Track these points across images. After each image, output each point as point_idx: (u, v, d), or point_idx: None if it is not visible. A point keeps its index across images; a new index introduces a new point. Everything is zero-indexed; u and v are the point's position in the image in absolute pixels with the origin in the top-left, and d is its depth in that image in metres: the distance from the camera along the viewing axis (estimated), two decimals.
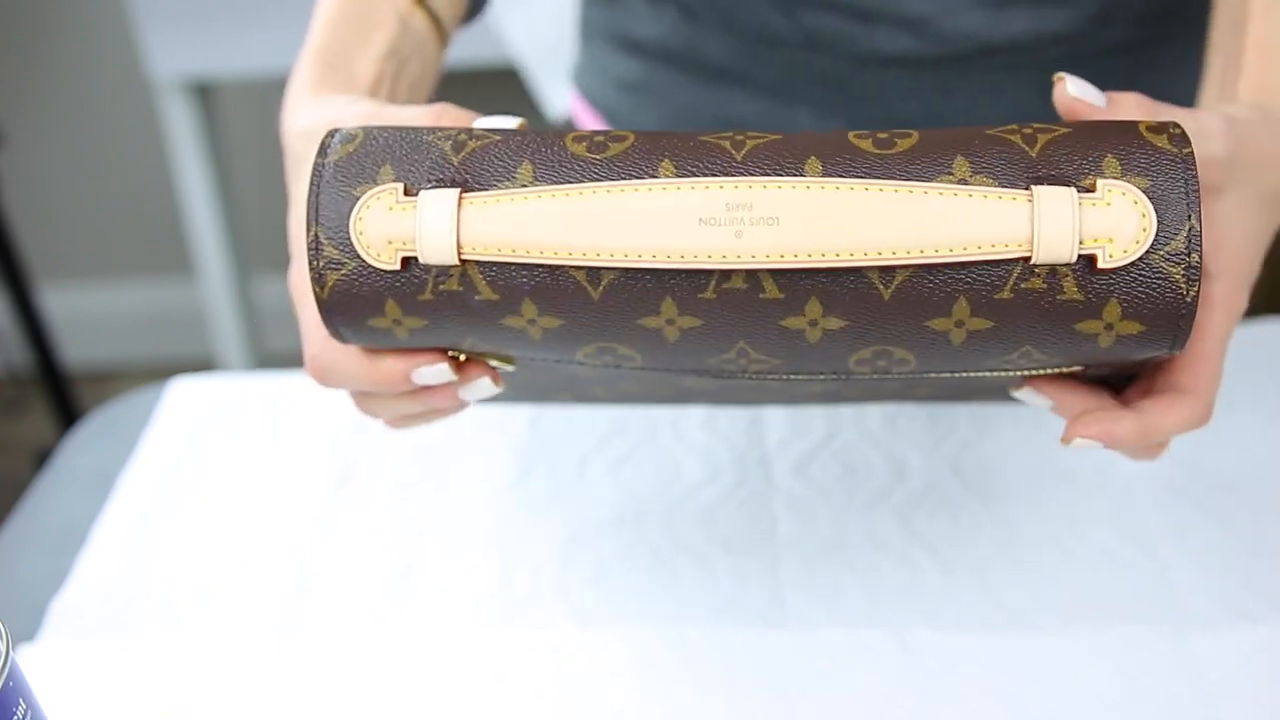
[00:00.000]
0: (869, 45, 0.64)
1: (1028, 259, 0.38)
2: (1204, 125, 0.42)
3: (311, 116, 0.48)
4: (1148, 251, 0.38)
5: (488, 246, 0.40)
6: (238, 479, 0.65)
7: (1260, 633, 0.52)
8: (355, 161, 0.41)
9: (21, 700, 0.42)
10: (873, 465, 0.62)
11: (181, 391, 0.72)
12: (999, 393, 0.49)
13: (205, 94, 1.57)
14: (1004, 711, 0.49)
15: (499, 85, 1.68)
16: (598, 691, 0.51)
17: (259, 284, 1.92)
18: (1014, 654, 0.51)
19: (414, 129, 0.42)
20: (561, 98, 1.36)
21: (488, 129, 0.42)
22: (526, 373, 0.48)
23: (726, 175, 0.39)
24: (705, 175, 0.39)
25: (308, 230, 0.41)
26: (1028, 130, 0.39)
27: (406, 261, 0.40)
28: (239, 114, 1.83)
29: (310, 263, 0.42)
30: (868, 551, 0.58)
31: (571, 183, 0.40)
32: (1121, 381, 0.47)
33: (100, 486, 0.66)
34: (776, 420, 0.65)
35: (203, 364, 1.97)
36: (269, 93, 1.83)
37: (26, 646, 0.55)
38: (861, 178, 0.39)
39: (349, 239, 0.41)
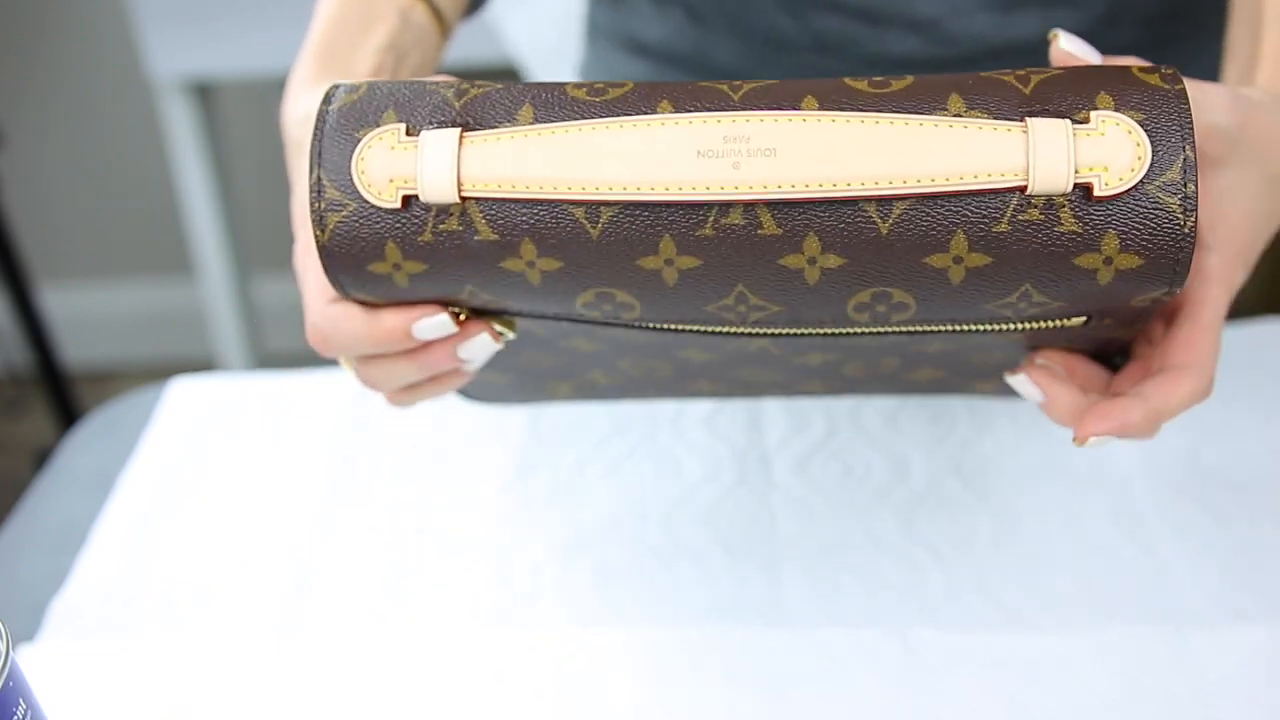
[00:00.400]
0: (877, 47, 0.64)
1: (1024, 189, 0.38)
2: (1208, 95, 0.42)
3: (309, 104, 0.48)
4: (1143, 180, 0.38)
5: (487, 183, 0.40)
6: (238, 479, 0.65)
7: (1260, 633, 0.52)
8: (359, 108, 0.42)
9: (21, 700, 0.42)
10: (872, 464, 0.62)
11: (181, 391, 0.72)
12: (997, 377, 0.49)
13: (205, 94, 1.57)
14: (1004, 711, 0.49)
15: None
16: (597, 691, 0.51)
17: (259, 284, 1.92)
18: (1014, 654, 0.51)
19: (418, 80, 0.43)
20: None
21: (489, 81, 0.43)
22: (525, 349, 0.48)
23: (724, 110, 0.40)
24: (703, 110, 0.40)
25: (310, 173, 0.42)
26: (1021, 72, 0.40)
27: (407, 200, 0.41)
28: (239, 114, 1.83)
29: (312, 206, 0.42)
30: (868, 551, 0.58)
31: (571, 120, 0.40)
32: (1114, 361, 0.47)
33: (100, 486, 0.66)
34: (776, 419, 0.65)
35: (203, 364, 1.97)
36: (269, 93, 1.83)
37: (26, 646, 0.55)
38: (858, 111, 0.39)
39: (350, 179, 0.41)
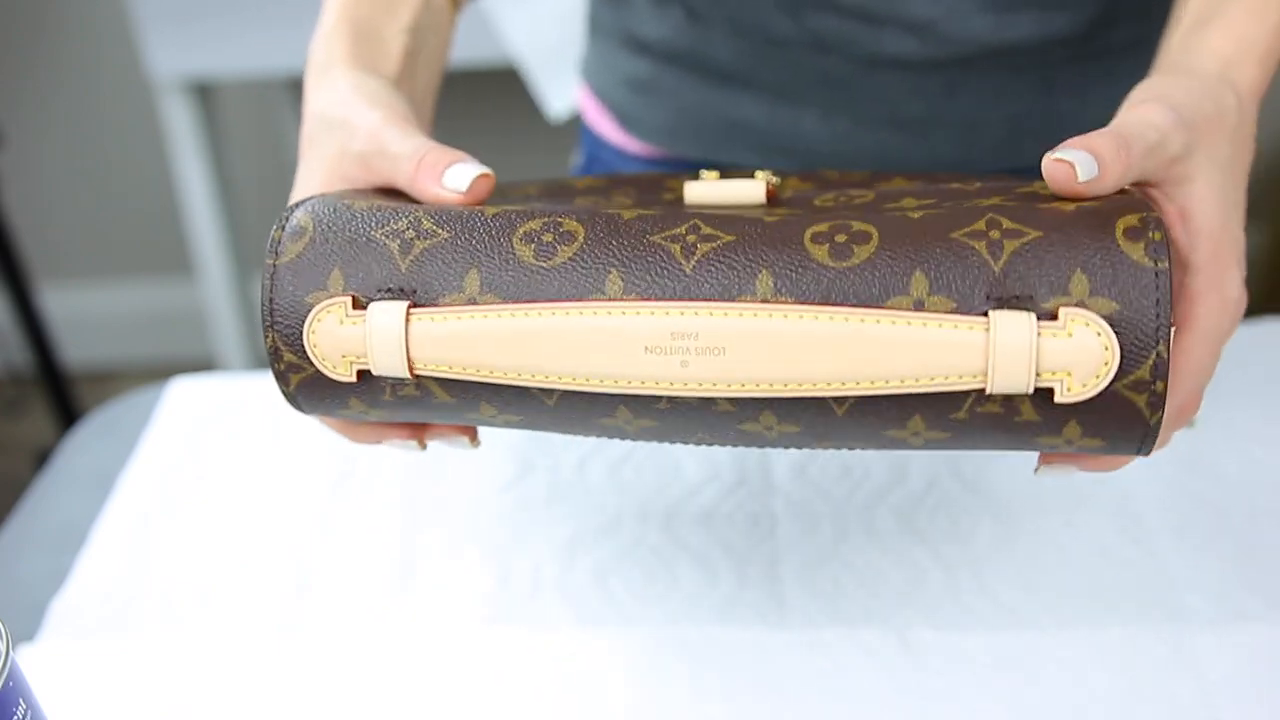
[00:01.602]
0: (875, 47, 0.64)
1: (982, 390, 0.37)
2: (1160, 130, 0.41)
3: (333, 101, 0.48)
4: (1109, 384, 0.36)
5: (438, 364, 0.40)
6: (238, 479, 0.65)
7: (1260, 632, 0.52)
8: (306, 263, 0.42)
9: (21, 700, 0.42)
10: (872, 465, 0.62)
11: (181, 391, 0.72)
12: None
13: (205, 94, 1.57)
14: (1004, 711, 0.49)
15: (499, 85, 1.68)
16: (598, 691, 0.51)
17: (259, 284, 1.92)
18: (1014, 654, 0.51)
19: (363, 222, 0.42)
20: (562, 98, 1.36)
21: (436, 222, 0.42)
22: None
23: (672, 299, 0.38)
24: (651, 298, 0.38)
25: (265, 334, 0.42)
26: (995, 234, 0.37)
27: (362, 374, 0.41)
28: (239, 114, 1.83)
29: (272, 363, 0.43)
30: (868, 551, 0.58)
31: (517, 300, 0.39)
32: None
33: (100, 486, 0.66)
34: None
35: (203, 364, 1.97)
36: (269, 93, 1.83)
37: (26, 646, 0.55)
38: (811, 303, 0.37)
39: (304, 348, 0.42)
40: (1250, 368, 0.66)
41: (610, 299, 0.38)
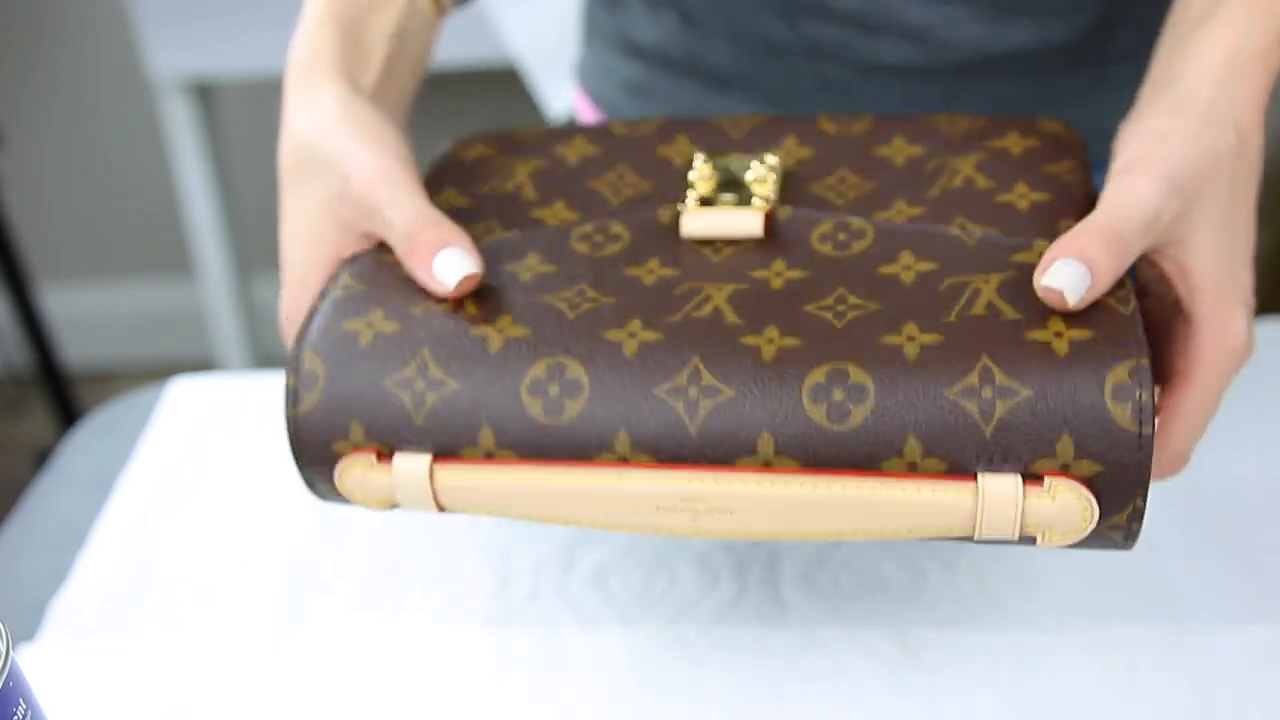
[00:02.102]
0: (871, 55, 0.64)
1: (970, 535, 0.40)
2: (1152, 206, 0.41)
3: (321, 131, 0.47)
4: (1088, 533, 0.39)
5: (465, 506, 0.44)
6: (238, 479, 0.65)
7: (1260, 633, 0.52)
8: (324, 414, 0.44)
9: (21, 700, 0.42)
10: None
11: (181, 391, 0.72)
12: None
13: (205, 94, 1.57)
14: (1004, 710, 0.49)
15: (499, 85, 1.68)
16: (598, 692, 0.51)
17: (259, 284, 1.92)
18: (1014, 653, 0.51)
19: (371, 367, 0.44)
20: (561, 98, 1.36)
21: (444, 370, 0.43)
22: None
23: (679, 465, 0.41)
24: (660, 463, 0.41)
25: (297, 467, 0.45)
26: (987, 393, 0.39)
27: (392, 505, 0.46)
28: (239, 114, 1.83)
29: (306, 485, 0.46)
30: (868, 551, 0.58)
31: (533, 458, 0.42)
32: None
33: (100, 486, 0.66)
34: None
35: (203, 364, 1.97)
36: (269, 93, 1.83)
37: (26, 646, 0.55)
38: (811, 469, 0.40)
39: (335, 488, 0.46)
40: (1250, 368, 0.66)
41: (620, 458, 0.41)
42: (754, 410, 0.40)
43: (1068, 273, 0.39)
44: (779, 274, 0.44)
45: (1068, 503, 0.38)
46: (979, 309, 0.41)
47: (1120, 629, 0.52)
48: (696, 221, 0.46)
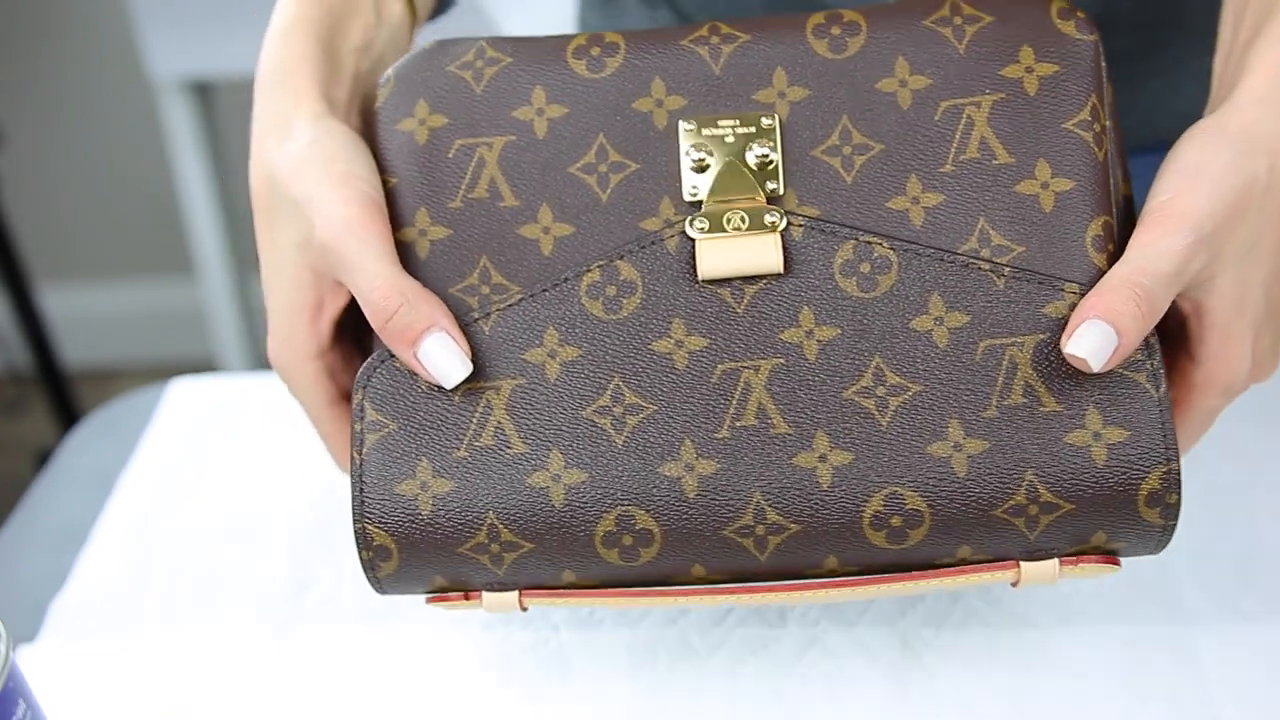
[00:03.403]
0: None
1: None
2: (1179, 258, 0.41)
3: (289, 169, 0.45)
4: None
5: (549, 606, 0.47)
6: (238, 479, 0.65)
7: (1260, 633, 0.51)
8: (405, 578, 0.45)
9: (21, 700, 0.42)
10: None
11: (181, 391, 0.72)
12: None
13: (205, 94, 1.57)
14: (1004, 710, 0.49)
15: None
16: (598, 692, 0.51)
17: (259, 284, 1.91)
18: (1014, 653, 0.51)
19: (441, 538, 0.44)
20: None
21: (511, 525, 0.44)
22: None
23: (747, 586, 0.44)
24: (729, 585, 0.45)
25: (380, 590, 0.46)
26: (1033, 510, 0.42)
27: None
28: (239, 114, 1.82)
29: (376, 586, 0.46)
30: None
31: (613, 587, 0.45)
32: None
33: (100, 486, 0.66)
34: None
35: (203, 364, 1.97)
36: None
37: (26, 646, 0.55)
38: (872, 581, 0.44)
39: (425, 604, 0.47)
40: None
41: (696, 580, 0.45)
42: (818, 543, 0.43)
43: (1093, 338, 0.41)
44: (810, 333, 0.44)
45: (1096, 570, 0.44)
46: (1017, 395, 0.43)
47: (1120, 629, 0.52)
48: (711, 261, 0.45)
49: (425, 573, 0.45)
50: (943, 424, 0.43)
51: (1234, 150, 0.43)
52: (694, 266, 0.45)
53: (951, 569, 0.44)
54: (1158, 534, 0.43)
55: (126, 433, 0.70)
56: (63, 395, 1.64)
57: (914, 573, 0.44)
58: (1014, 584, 0.44)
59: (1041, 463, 0.42)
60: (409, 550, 0.44)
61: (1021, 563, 0.44)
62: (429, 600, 0.47)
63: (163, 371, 1.96)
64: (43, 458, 1.62)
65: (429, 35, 0.56)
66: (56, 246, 1.96)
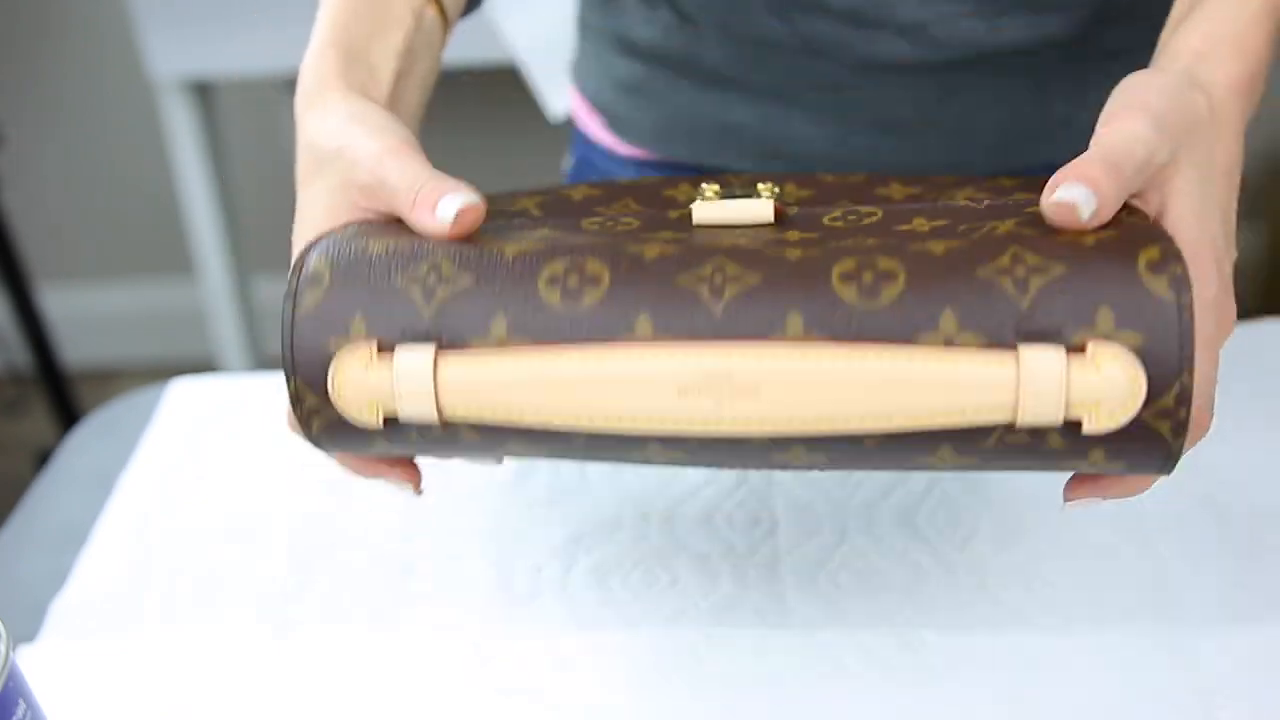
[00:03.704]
0: (866, 51, 0.64)
1: (1012, 423, 0.37)
2: (1146, 144, 0.41)
3: (329, 132, 0.47)
4: (1135, 413, 0.37)
5: (468, 409, 0.40)
6: (238, 479, 0.65)
7: (1260, 633, 0.52)
8: (326, 310, 0.41)
9: (21, 700, 0.42)
10: None
11: (181, 391, 0.72)
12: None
13: (205, 94, 1.57)
14: (1004, 711, 0.49)
15: (499, 85, 1.68)
16: (598, 692, 0.51)
17: (259, 284, 1.92)
18: (1014, 654, 0.51)
19: (382, 266, 0.41)
20: (562, 98, 1.36)
21: (458, 266, 0.41)
22: None
23: (704, 339, 0.38)
24: (683, 338, 0.38)
25: (288, 380, 0.42)
26: (1020, 271, 0.38)
27: (389, 420, 0.41)
28: (239, 114, 1.83)
29: (294, 408, 0.42)
30: (868, 551, 0.58)
31: (547, 341, 0.39)
32: None
33: (100, 486, 0.66)
34: None
35: (203, 364, 1.97)
36: (269, 93, 1.83)
37: (26, 646, 0.55)
38: (843, 341, 0.38)
39: (328, 394, 0.41)
40: (1250, 368, 0.66)
41: (641, 339, 0.39)
42: (781, 292, 0.38)
43: (1075, 190, 0.39)
44: (794, 241, 0.42)
45: (1113, 373, 0.36)
46: (1002, 231, 0.40)
47: (1120, 629, 0.52)
48: (707, 210, 0.44)
49: (348, 308, 0.41)
50: (924, 242, 0.40)
51: (1174, 78, 0.44)
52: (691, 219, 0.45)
53: (936, 350, 0.37)
54: (1173, 313, 0.37)
55: (126, 433, 0.70)
56: (63, 395, 1.64)
57: (890, 342, 0.37)
58: (1014, 420, 0.37)
59: (1026, 244, 0.39)
60: (344, 275, 0.41)
61: (1019, 346, 0.37)
62: (333, 383, 0.41)
63: (163, 371, 1.96)
64: (43, 458, 1.62)
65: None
66: (56, 246, 1.96)
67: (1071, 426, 0.37)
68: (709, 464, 0.43)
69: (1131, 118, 0.42)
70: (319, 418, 0.42)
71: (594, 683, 0.52)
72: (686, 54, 0.69)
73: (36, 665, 0.54)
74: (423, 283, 0.40)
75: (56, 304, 1.97)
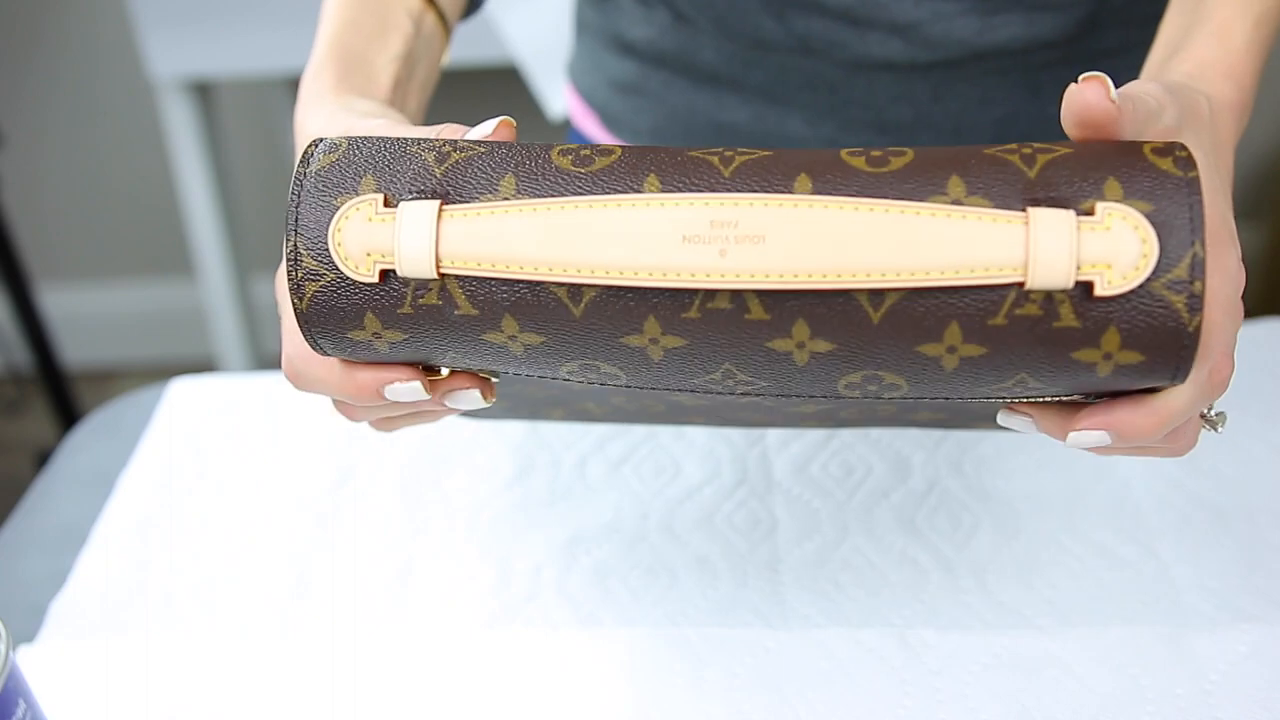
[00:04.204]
0: (860, 50, 0.64)
1: (1022, 284, 0.37)
2: (1158, 99, 0.41)
3: (329, 124, 0.47)
4: (1148, 279, 0.36)
5: (466, 261, 0.39)
6: (238, 479, 0.65)
7: (1260, 632, 0.52)
8: (337, 171, 0.41)
9: (21, 700, 0.42)
10: (872, 465, 0.62)
11: (181, 391, 0.72)
12: (995, 419, 0.49)
13: (205, 94, 1.57)
14: (1004, 711, 0.49)
15: (499, 85, 1.68)
16: (598, 691, 0.51)
17: (259, 284, 1.92)
18: (1014, 654, 0.51)
19: (400, 139, 0.42)
20: (561, 97, 1.36)
21: (473, 140, 0.42)
22: (517, 382, 0.48)
23: (712, 191, 0.38)
24: (691, 190, 0.38)
25: (286, 240, 0.41)
26: (1027, 150, 0.38)
27: (385, 274, 0.40)
28: (239, 114, 1.83)
29: (289, 273, 0.41)
30: (868, 551, 0.58)
31: (554, 196, 0.39)
32: None
33: (100, 486, 0.66)
34: None
35: (203, 364, 1.97)
36: (269, 93, 1.83)
37: (26, 646, 0.55)
38: (852, 196, 0.37)
39: (327, 250, 0.40)
40: (1250, 368, 0.66)
41: (649, 193, 0.38)
42: (791, 161, 0.38)
43: (1095, 92, 0.39)
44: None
45: (1123, 233, 0.36)
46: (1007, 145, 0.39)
47: (1120, 629, 0.52)
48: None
49: (360, 167, 0.41)
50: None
51: (1174, 79, 0.46)
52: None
53: (945, 206, 0.37)
54: (1181, 184, 0.36)
55: (126, 433, 0.70)
56: (63, 395, 1.64)
57: (901, 201, 0.37)
58: (1024, 282, 0.36)
59: (1026, 143, 0.39)
60: (357, 144, 0.41)
61: (1030, 208, 0.36)
62: (334, 237, 0.40)
63: (163, 371, 1.96)
64: (43, 458, 1.62)
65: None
66: (56, 246, 1.96)
67: (1084, 295, 0.37)
68: (704, 366, 0.41)
69: (1146, 82, 0.43)
70: (312, 284, 0.41)
71: (594, 683, 0.52)
72: (682, 53, 0.69)
73: (36, 665, 0.54)
74: (437, 150, 0.41)
75: (56, 304, 1.97)
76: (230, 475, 0.65)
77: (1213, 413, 0.45)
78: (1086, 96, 0.39)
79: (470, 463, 0.65)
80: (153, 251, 1.98)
